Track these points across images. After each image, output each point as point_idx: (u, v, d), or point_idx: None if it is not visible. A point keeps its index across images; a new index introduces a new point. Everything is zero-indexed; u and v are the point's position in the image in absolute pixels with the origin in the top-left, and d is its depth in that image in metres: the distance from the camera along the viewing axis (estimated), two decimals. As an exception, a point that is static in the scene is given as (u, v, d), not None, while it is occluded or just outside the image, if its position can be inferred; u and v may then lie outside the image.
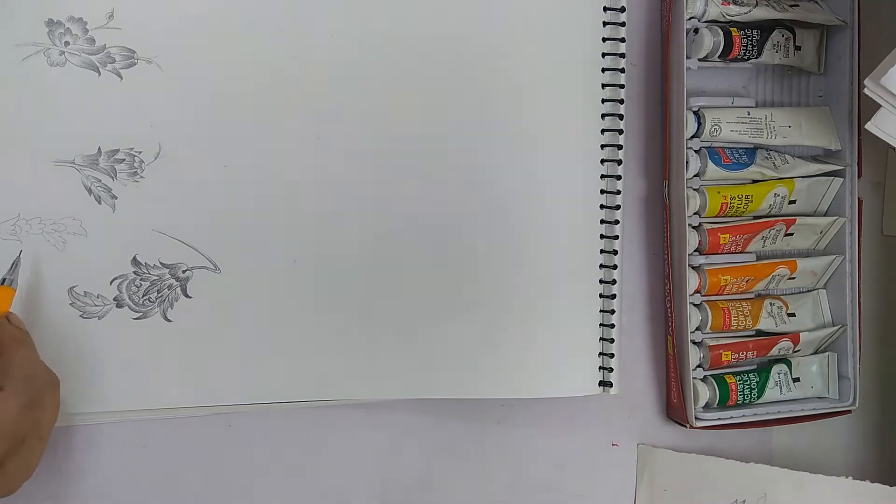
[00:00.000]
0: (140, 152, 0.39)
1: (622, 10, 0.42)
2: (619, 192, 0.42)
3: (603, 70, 0.42)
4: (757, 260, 0.46)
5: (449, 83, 0.41)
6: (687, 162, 0.43)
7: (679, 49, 0.42)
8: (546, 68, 0.42)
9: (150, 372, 0.39)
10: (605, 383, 0.43)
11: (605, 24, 0.42)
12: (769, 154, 0.45)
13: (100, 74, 0.38)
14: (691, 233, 0.44)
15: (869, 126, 0.36)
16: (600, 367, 0.43)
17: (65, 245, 0.38)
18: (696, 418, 0.44)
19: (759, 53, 0.44)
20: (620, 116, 0.42)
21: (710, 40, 0.43)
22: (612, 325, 0.42)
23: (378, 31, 0.40)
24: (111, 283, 0.39)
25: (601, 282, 0.42)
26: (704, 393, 0.44)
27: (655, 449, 0.46)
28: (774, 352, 0.46)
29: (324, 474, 0.44)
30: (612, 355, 0.42)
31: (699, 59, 0.44)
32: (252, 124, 0.40)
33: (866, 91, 0.35)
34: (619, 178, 0.42)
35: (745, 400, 0.45)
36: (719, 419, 0.44)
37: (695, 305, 0.44)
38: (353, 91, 0.40)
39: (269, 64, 0.40)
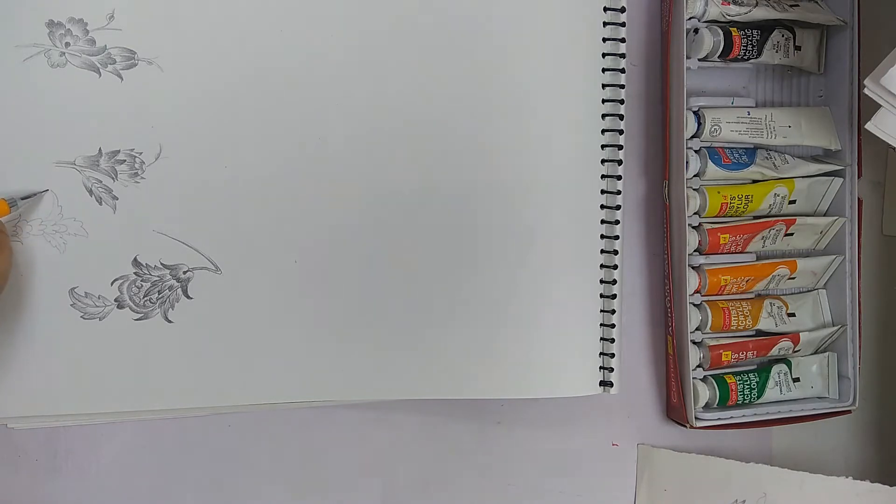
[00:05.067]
0: (141, 153, 0.39)
1: (622, 10, 0.42)
2: (619, 193, 0.42)
3: (603, 70, 0.42)
4: (757, 260, 0.46)
5: (448, 85, 0.41)
6: (687, 162, 0.43)
7: (679, 49, 0.42)
8: (546, 68, 0.42)
9: (150, 372, 0.39)
10: (605, 383, 0.43)
11: (605, 24, 0.42)
12: (769, 154, 0.45)
13: (100, 75, 0.38)
14: (691, 233, 0.44)
15: (869, 126, 0.36)
16: (600, 367, 0.43)
17: (66, 246, 0.38)
18: (696, 418, 0.44)
19: (759, 53, 0.44)
20: (620, 116, 0.42)
21: (710, 40, 0.43)
22: (613, 325, 0.42)
23: (378, 31, 0.41)
24: (112, 284, 0.39)
25: (601, 282, 0.42)
26: (704, 393, 0.44)
27: (655, 449, 0.46)
28: (774, 352, 0.46)
29: (324, 474, 0.44)
30: (612, 355, 0.42)
31: (699, 59, 0.44)
32: (253, 125, 0.40)
33: (866, 91, 0.35)
34: (619, 178, 0.42)
35: (745, 400, 0.45)
36: (719, 419, 0.44)
37: (695, 305, 0.44)
38: (355, 92, 0.40)
39: (269, 65, 0.40)
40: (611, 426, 0.47)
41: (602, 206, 0.42)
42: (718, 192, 0.44)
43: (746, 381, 0.45)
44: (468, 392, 0.41)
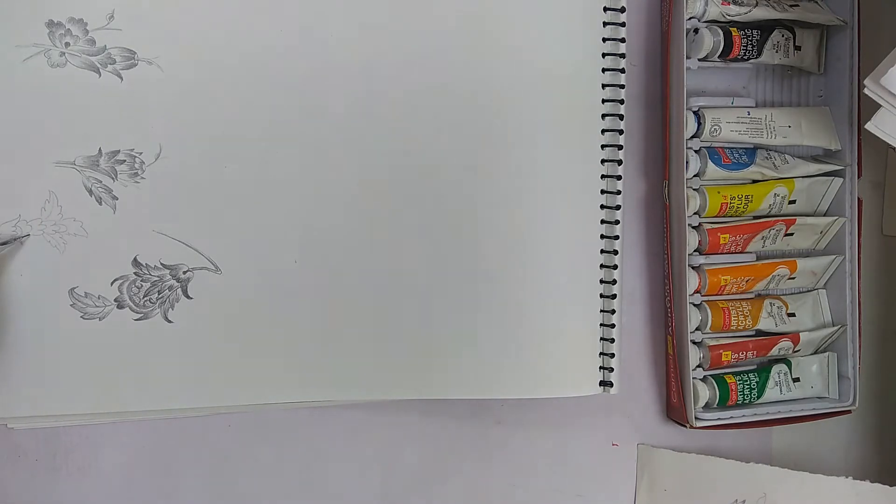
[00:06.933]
0: (141, 153, 0.39)
1: (622, 10, 0.42)
2: (619, 193, 0.42)
3: (603, 70, 0.42)
4: (757, 260, 0.46)
5: (449, 84, 0.41)
6: (687, 162, 0.43)
7: (679, 49, 0.42)
8: (546, 68, 0.42)
9: (150, 373, 0.39)
10: (605, 383, 0.43)
11: (605, 24, 0.42)
12: (769, 154, 0.45)
13: (100, 75, 0.38)
14: (691, 233, 0.44)
15: (869, 126, 0.36)
16: (600, 367, 0.43)
17: (65, 246, 0.38)
18: (696, 418, 0.44)
19: (759, 53, 0.44)
20: (620, 116, 0.42)
21: (710, 40, 0.43)
22: (613, 325, 0.42)
23: (378, 32, 0.41)
24: (112, 284, 0.39)
25: (601, 282, 0.42)
26: (704, 393, 0.44)
27: (655, 449, 0.46)
28: (774, 352, 0.46)
29: (324, 474, 0.44)
30: (612, 355, 0.42)
31: (699, 59, 0.44)
32: (252, 125, 0.40)
33: (866, 91, 0.35)
34: (619, 178, 0.42)
35: (745, 400, 0.45)
36: (719, 419, 0.44)
37: (695, 305, 0.44)
38: (354, 91, 0.40)
39: (269, 65, 0.40)
40: (611, 426, 0.47)
41: (602, 206, 0.42)
42: (718, 192, 0.44)
43: (746, 381, 0.45)
44: (468, 392, 0.41)
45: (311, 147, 0.40)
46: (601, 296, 0.43)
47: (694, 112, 0.44)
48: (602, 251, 0.42)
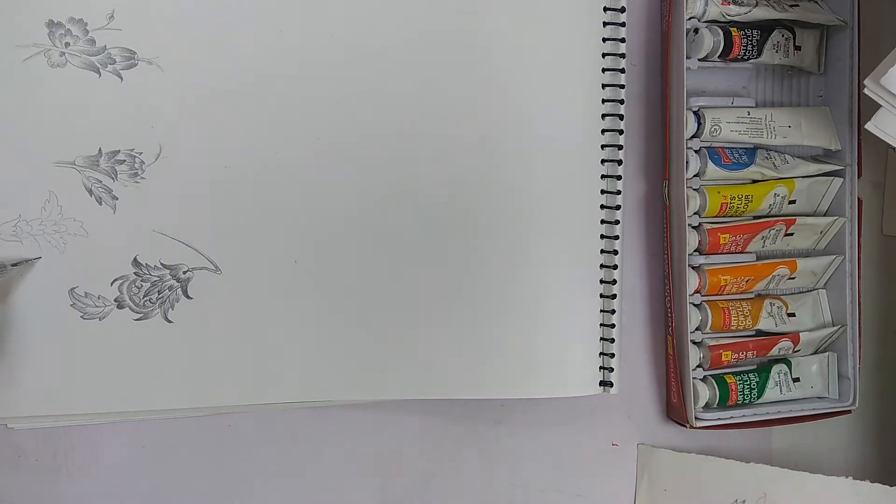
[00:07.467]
0: (141, 153, 0.39)
1: (622, 10, 0.42)
2: (619, 192, 0.42)
3: (603, 70, 0.42)
4: (757, 260, 0.46)
5: (448, 83, 0.41)
6: (687, 162, 0.43)
7: (679, 49, 0.42)
8: (546, 69, 0.42)
9: (150, 373, 0.39)
10: (605, 383, 0.43)
11: (605, 24, 0.42)
12: (769, 154, 0.45)
13: (100, 75, 0.38)
14: (691, 233, 0.44)
15: (869, 126, 0.36)
16: (600, 367, 0.43)
17: (65, 246, 0.38)
18: (696, 418, 0.44)
19: (759, 53, 0.44)
20: (620, 116, 0.42)
21: (710, 40, 0.43)
22: (613, 325, 0.42)
23: (377, 30, 0.41)
24: (112, 284, 0.39)
25: (601, 282, 0.42)
26: (704, 393, 0.44)
27: (655, 449, 0.46)
28: (774, 352, 0.46)
29: (324, 474, 0.44)
30: (612, 355, 0.42)
31: (699, 59, 0.44)
32: (253, 125, 0.40)
33: (866, 91, 0.35)
34: (619, 178, 0.42)
35: (745, 400, 0.45)
36: (719, 419, 0.44)
37: (695, 305, 0.44)
38: (353, 90, 0.40)
39: (269, 64, 0.40)
40: (611, 426, 0.47)
41: (602, 206, 0.42)
42: (718, 192, 0.44)
43: (746, 381, 0.45)
44: (468, 392, 0.41)
45: (311, 146, 0.40)
46: (601, 296, 0.43)
47: (694, 112, 0.44)
48: (602, 251, 0.42)
